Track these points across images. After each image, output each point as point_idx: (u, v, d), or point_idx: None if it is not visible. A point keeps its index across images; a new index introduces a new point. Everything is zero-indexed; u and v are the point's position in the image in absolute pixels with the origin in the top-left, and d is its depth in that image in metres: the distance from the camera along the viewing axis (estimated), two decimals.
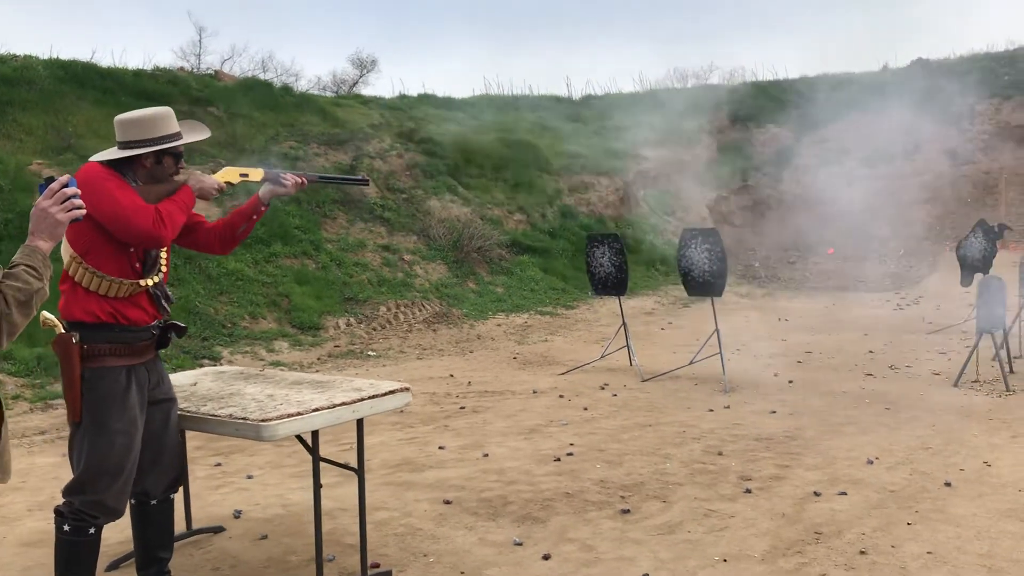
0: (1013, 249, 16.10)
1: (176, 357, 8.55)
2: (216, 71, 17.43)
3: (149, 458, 3.51)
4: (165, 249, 3.55)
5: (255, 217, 3.75)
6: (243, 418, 3.36)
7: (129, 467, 3.35)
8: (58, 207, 2.34)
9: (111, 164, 3.36)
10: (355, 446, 5.85)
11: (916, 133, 21.24)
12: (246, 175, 3.78)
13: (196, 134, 3.65)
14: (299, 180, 3.82)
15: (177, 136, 3.45)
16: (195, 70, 18.33)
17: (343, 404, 3.58)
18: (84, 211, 2.41)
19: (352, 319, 11.15)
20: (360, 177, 4.60)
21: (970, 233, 11.30)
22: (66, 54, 14.11)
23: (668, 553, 4.15)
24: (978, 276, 10.39)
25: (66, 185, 2.36)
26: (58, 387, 7.64)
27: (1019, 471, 5.31)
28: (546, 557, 4.12)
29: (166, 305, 3.54)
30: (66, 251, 3.28)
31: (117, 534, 4.24)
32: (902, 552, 4.10)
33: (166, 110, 3.49)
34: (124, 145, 3.37)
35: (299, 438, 3.59)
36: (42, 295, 2.30)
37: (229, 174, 3.79)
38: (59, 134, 11.44)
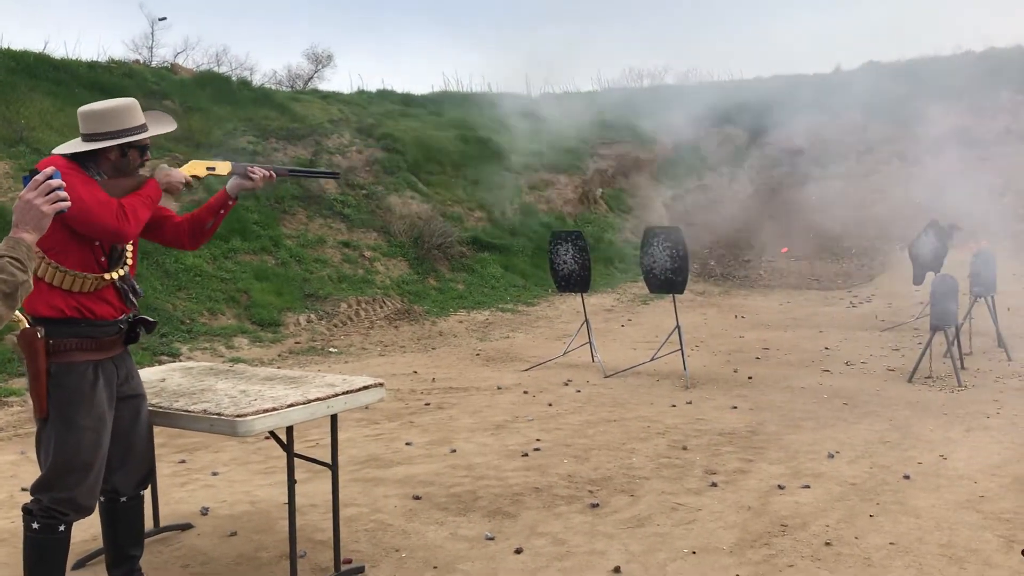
0: (961, 248, 16.48)
1: (135, 353, 8.35)
2: (172, 64, 17.15)
3: (118, 455, 3.46)
4: (131, 242, 3.49)
5: (223, 212, 3.71)
6: (218, 414, 3.34)
7: (98, 464, 3.30)
8: (43, 199, 2.32)
9: (74, 157, 3.30)
10: (318, 443, 5.87)
11: (867, 134, 21.66)
12: (213, 168, 3.73)
13: (162, 126, 3.58)
14: (267, 174, 3.77)
15: (142, 128, 3.38)
16: (148, 63, 18.01)
17: (318, 400, 3.57)
18: (69, 203, 2.38)
19: (313, 315, 11.07)
20: (331, 171, 4.56)
21: (922, 232, 11.56)
22: (17, 45, 13.78)
23: (638, 546, 4.21)
24: (930, 275, 10.64)
25: (51, 177, 2.33)
26: (13, 383, 7.49)
27: (974, 464, 5.46)
28: (518, 551, 4.15)
29: (134, 299, 3.50)
30: None
31: (83, 532, 4.18)
32: (865, 543, 4.20)
33: (131, 102, 3.42)
34: (88, 138, 3.30)
35: (273, 434, 3.58)
36: (26, 287, 2.27)
37: (195, 167, 3.73)
38: (11, 126, 11.19)
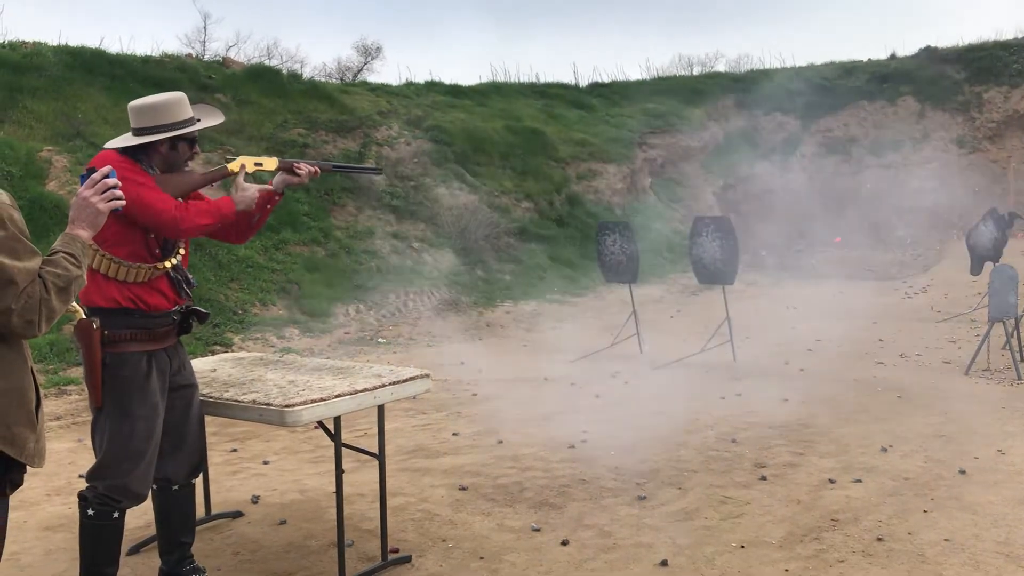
0: (1021, 237, 16.07)
1: (188, 344, 8.48)
2: (224, 58, 17.38)
3: (171, 444, 3.53)
4: None
5: (269, 207, 3.76)
6: (267, 404, 3.38)
7: (151, 452, 3.37)
8: (99, 197, 2.39)
9: (125, 151, 3.36)
10: (367, 433, 5.92)
11: (924, 121, 21.19)
12: (260, 164, 3.78)
13: (211, 119, 3.64)
14: (312, 169, 3.81)
15: (191, 121, 3.45)
16: (200, 57, 18.29)
17: (365, 390, 3.60)
18: (124, 202, 2.44)
19: (362, 306, 11.16)
20: (373, 167, 4.59)
21: (980, 221, 11.27)
22: (75, 40, 14.12)
23: (685, 539, 4.17)
24: (988, 265, 10.38)
25: (107, 176, 2.39)
26: (72, 373, 7.67)
27: None
28: (564, 543, 4.14)
29: (187, 290, 3.56)
30: None
31: (136, 519, 4.27)
32: (919, 539, 4.11)
33: (179, 95, 3.48)
34: (139, 132, 3.37)
35: (321, 424, 3.61)
36: (80, 282, 2.34)
37: (244, 163, 3.80)
38: (69, 121, 11.44)
